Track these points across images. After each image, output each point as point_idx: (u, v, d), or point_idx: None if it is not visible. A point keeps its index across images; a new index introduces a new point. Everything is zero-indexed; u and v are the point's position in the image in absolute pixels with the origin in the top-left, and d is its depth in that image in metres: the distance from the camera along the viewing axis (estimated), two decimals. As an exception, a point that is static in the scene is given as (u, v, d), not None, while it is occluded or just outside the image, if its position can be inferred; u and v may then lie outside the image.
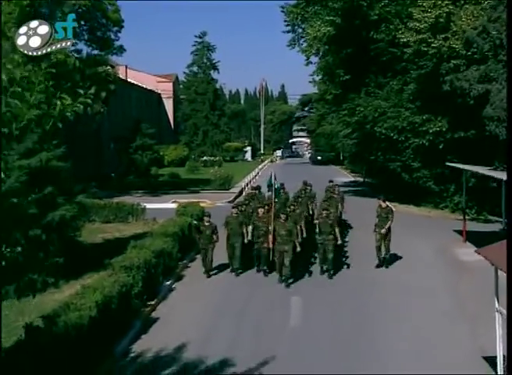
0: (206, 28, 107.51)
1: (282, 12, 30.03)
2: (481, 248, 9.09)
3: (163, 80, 64.58)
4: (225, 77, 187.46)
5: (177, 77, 68.16)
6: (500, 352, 8.89)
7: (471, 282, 15.45)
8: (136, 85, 55.07)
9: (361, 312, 13.32)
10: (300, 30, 29.66)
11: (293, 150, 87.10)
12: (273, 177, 17.39)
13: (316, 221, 16.69)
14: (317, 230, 16.33)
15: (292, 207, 17.54)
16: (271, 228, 15.74)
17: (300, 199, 19.84)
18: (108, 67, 33.16)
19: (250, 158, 68.98)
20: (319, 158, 64.22)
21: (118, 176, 36.93)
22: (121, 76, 43.39)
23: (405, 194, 27.77)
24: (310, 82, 39.41)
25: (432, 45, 23.13)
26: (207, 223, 16.22)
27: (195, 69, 62.65)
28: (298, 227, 16.37)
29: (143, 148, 39.37)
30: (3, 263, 6.41)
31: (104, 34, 30.13)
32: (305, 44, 29.23)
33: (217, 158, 53.82)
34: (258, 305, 13.87)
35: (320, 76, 36.48)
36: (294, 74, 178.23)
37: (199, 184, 35.71)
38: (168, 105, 66.08)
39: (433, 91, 24.59)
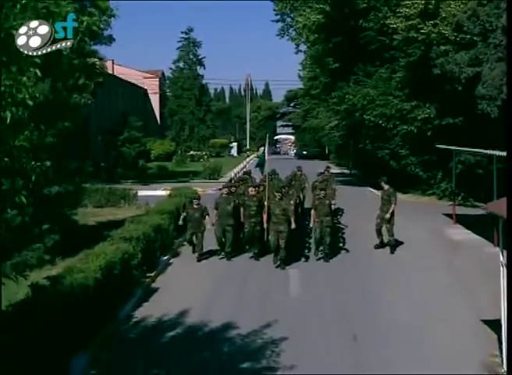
0: (191, 26, 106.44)
1: (272, 1, 30.22)
2: (488, 204, 9.23)
3: (149, 75, 64.50)
4: (210, 76, 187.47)
5: (163, 73, 68.11)
6: (505, 306, 8.78)
7: (465, 258, 15.73)
8: (122, 80, 54.89)
9: (360, 283, 13.46)
10: (289, 20, 29.84)
11: (277, 147, 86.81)
12: (265, 152, 16.91)
13: (312, 203, 15.86)
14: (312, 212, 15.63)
15: (286, 188, 17.06)
16: (265, 207, 15.11)
17: (293, 182, 19.89)
18: (96, 59, 32.96)
19: (236, 154, 69.18)
20: (305, 152, 64.92)
21: (107, 168, 36.85)
22: (108, 71, 43.20)
23: (392, 182, 27.92)
24: (299, 70, 39.48)
25: (422, 31, 23.31)
26: (196, 206, 15.43)
27: (181, 64, 62.65)
28: (293, 207, 15.74)
29: (130, 140, 39.29)
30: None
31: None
32: (294, 33, 29.36)
33: (204, 152, 53.94)
34: (257, 278, 13.94)
35: (306, 72, 36.63)
36: (278, 74, 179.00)
37: (189, 175, 35.74)
38: (155, 101, 66.00)
39: (421, 78, 24.80)
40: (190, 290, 12.94)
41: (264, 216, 15.08)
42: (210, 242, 15.72)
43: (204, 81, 63.97)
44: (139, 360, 9.30)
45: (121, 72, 56.09)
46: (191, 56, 62.15)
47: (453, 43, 22.70)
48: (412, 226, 20.08)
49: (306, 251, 16.21)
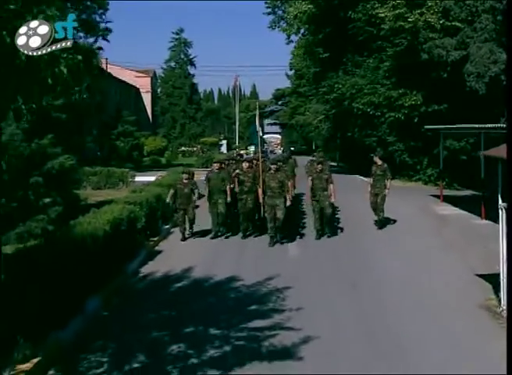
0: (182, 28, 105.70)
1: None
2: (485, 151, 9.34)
3: (141, 75, 64.88)
4: (200, 77, 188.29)
5: (155, 73, 68.55)
6: (504, 255, 8.81)
7: (454, 227, 16.37)
8: (115, 78, 55.15)
9: (356, 247, 14.00)
10: (280, 12, 30.54)
11: (265, 148, 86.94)
12: (257, 125, 16.83)
13: (309, 178, 15.31)
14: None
15: (280, 163, 16.54)
16: (260, 182, 14.54)
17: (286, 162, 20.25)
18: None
19: (225, 151, 69.67)
20: (292, 148, 65.68)
21: (101, 160, 37.21)
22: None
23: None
24: (290, 62, 40.05)
25: (409, 20, 24.00)
26: (185, 181, 14.74)
27: (172, 64, 63.35)
28: (289, 182, 15.00)
29: (124, 134, 39.64)
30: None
31: (89, 17, 30.30)
32: (285, 25, 30.04)
33: (196, 148, 54.60)
34: (256, 246, 14.21)
35: (296, 62, 37.21)
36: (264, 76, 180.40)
37: (183, 164, 36.28)
38: (147, 100, 66.29)
39: (408, 66, 25.49)
40: (194, 252, 13.41)
41: (260, 191, 14.57)
42: (202, 223, 15.43)
43: (194, 81, 64.68)
44: (149, 305, 9.75)
45: (114, 71, 56.40)
46: (182, 56, 62.80)
47: (439, 31, 23.40)
48: (401, 204, 20.59)
49: (301, 230, 15.96)
